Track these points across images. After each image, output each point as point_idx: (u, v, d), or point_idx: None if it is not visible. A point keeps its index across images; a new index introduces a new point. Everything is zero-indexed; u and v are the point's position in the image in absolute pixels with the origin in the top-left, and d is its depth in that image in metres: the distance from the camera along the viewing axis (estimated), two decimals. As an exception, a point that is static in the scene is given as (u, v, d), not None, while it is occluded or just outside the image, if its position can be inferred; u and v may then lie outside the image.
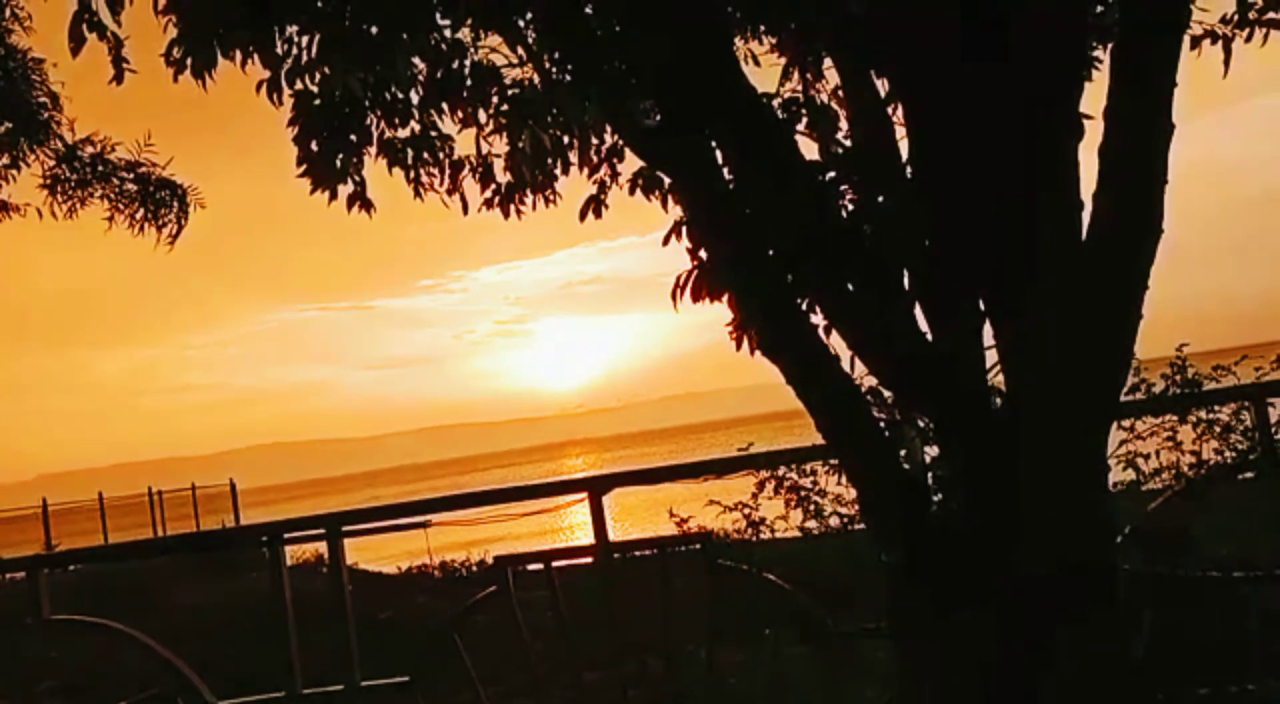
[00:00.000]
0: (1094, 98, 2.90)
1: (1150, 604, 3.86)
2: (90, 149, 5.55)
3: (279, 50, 3.58)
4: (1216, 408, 4.36)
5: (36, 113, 5.51)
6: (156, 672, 5.04)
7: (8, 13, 5.34)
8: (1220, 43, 3.82)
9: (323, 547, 4.99)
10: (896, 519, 3.18)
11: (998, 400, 3.06)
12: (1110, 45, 2.92)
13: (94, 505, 32.69)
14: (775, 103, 3.83)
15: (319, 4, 3.51)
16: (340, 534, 4.77)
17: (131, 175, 5.49)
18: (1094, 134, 2.84)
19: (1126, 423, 4.26)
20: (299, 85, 3.77)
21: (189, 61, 3.49)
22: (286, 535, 4.95)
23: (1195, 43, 3.81)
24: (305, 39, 3.61)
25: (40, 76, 5.52)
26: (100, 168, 5.48)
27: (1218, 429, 4.33)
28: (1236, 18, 3.81)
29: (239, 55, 3.49)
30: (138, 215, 5.47)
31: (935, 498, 3.39)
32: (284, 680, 4.72)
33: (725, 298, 3.44)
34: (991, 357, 3.01)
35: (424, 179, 4.24)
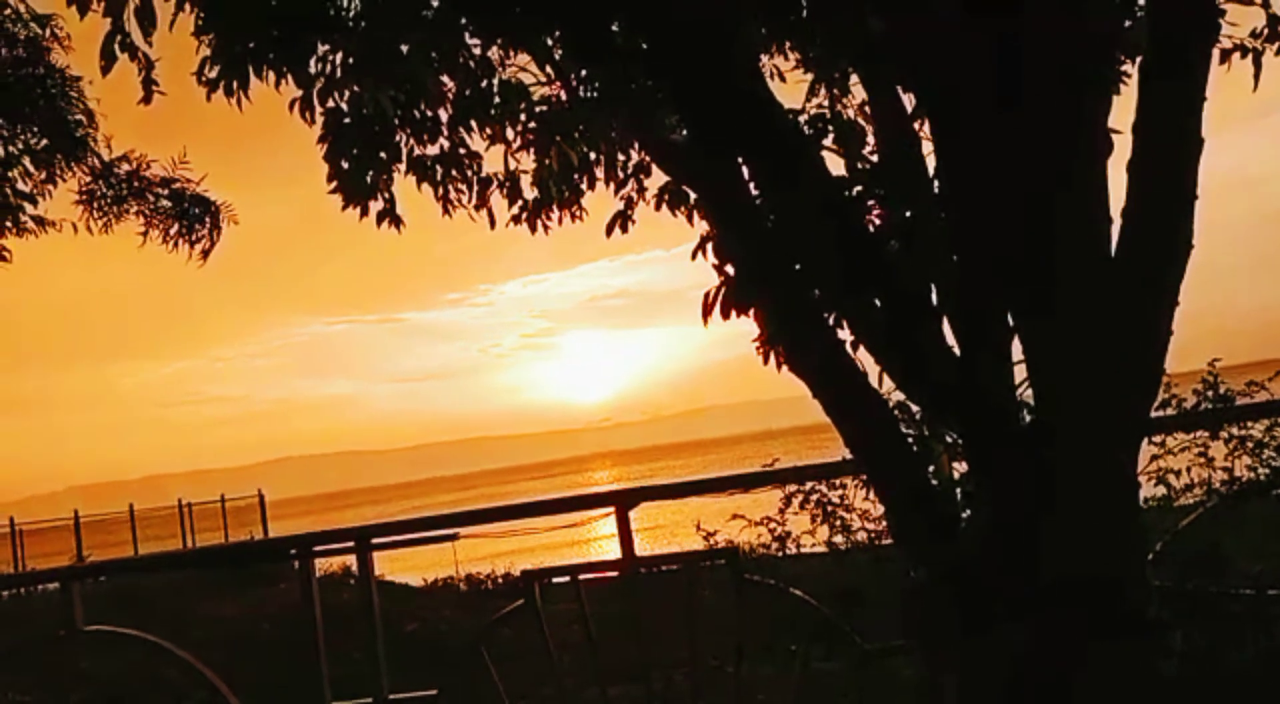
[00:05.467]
0: (1123, 113, 2.89)
1: (1182, 622, 3.81)
2: (126, 166, 5.64)
3: (311, 69, 3.63)
4: (1249, 424, 4.31)
5: (73, 130, 5.61)
6: (188, 682, 5.09)
7: (48, 31, 5.44)
8: (1250, 56, 3.81)
9: (349, 559, 5.02)
10: (923, 535, 3.17)
11: (1026, 416, 3.04)
12: (1139, 60, 2.91)
13: (124, 517, 32.94)
14: (801, 119, 3.84)
15: (350, 24, 3.56)
16: (369, 547, 4.80)
17: (166, 191, 5.58)
18: (1124, 149, 2.84)
19: (1157, 438, 4.22)
20: (330, 103, 3.83)
21: (222, 81, 3.54)
22: (316, 548, 4.99)
23: (1225, 56, 3.80)
24: (337, 58, 3.67)
25: (77, 93, 5.62)
26: (135, 184, 5.57)
27: (1250, 445, 4.28)
28: (1266, 31, 3.79)
29: (272, 75, 3.54)
30: (172, 231, 5.56)
31: (964, 513, 3.37)
32: (313, 692, 4.75)
33: (753, 313, 3.45)
34: (1020, 372, 3.00)
35: (452, 195, 4.29)
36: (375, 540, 4.86)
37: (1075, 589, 2.82)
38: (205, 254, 5.59)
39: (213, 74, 3.54)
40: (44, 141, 5.64)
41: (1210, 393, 4.24)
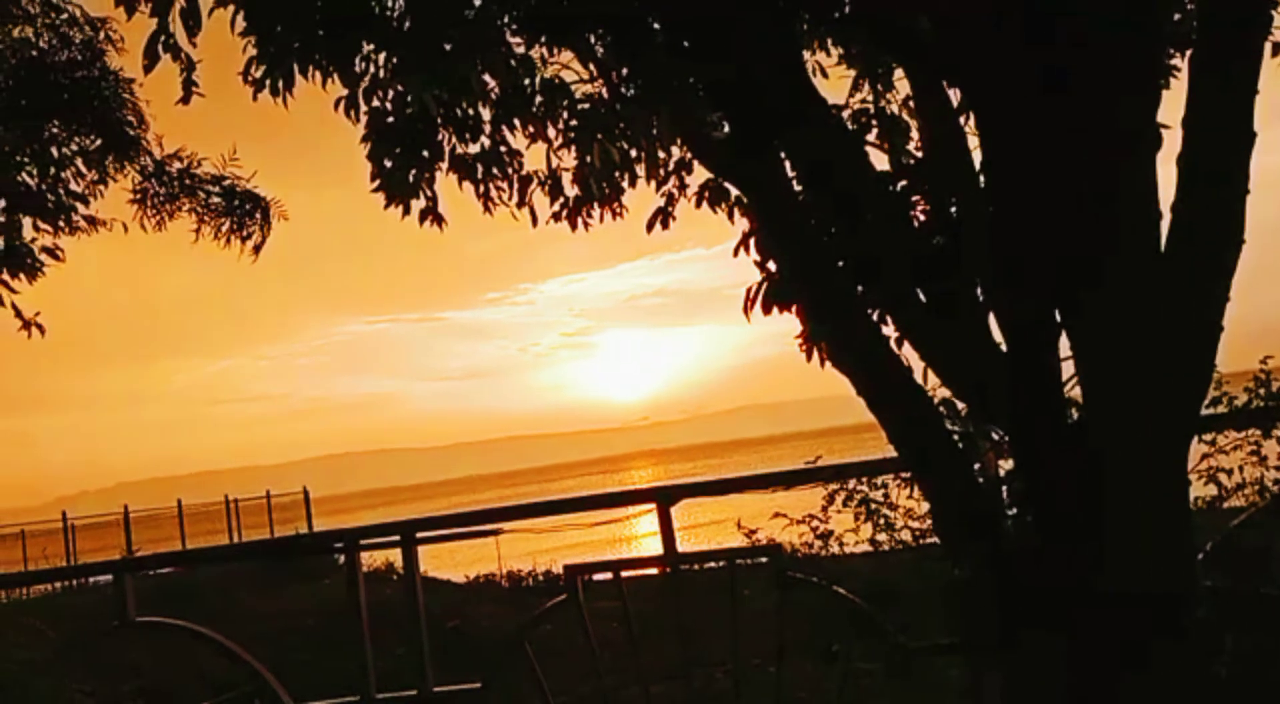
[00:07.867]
0: (1173, 107, 2.85)
1: (1233, 625, 3.75)
2: (178, 164, 5.75)
3: (356, 69, 3.68)
4: (1303, 423, 4.23)
5: (125, 131, 5.73)
6: (235, 674, 5.16)
7: (102, 34, 5.55)
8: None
9: (391, 556, 5.07)
10: (967, 533, 3.14)
11: (1074, 413, 3.01)
12: (1189, 53, 2.87)
13: (172, 513, 33.43)
14: (845, 114, 3.83)
15: (395, 23, 3.59)
16: (415, 541, 4.84)
17: (217, 188, 5.68)
18: (1173, 144, 2.80)
19: (1208, 436, 4.15)
20: (374, 102, 3.87)
21: (268, 81, 3.59)
22: (362, 541, 5.04)
23: (1276, 49, 3.73)
24: (381, 57, 3.71)
25: (130, 96, 5.74)
26: (187, 181, 5.67)
27: (1305, 444, 4.20)
28: (1322, 23, 3.71)
29: (318, 74, 3.59)
30: (223, 228, 5.65)
31: (1010, 512, 3.34)
32: (358, 685, 4.80)
33: (795, 309, 3.45)
34: (1068, 369, 2.97)
35: (494, 193, 4.32)
36: (420, 534, 4.90)
37: (1123, 590, 2.79)
38: (257, 249, 5.68)
39: (258, 74, 3.59)
40: (98, 142, 5.76)
41: (1262, 391, 4.18)
